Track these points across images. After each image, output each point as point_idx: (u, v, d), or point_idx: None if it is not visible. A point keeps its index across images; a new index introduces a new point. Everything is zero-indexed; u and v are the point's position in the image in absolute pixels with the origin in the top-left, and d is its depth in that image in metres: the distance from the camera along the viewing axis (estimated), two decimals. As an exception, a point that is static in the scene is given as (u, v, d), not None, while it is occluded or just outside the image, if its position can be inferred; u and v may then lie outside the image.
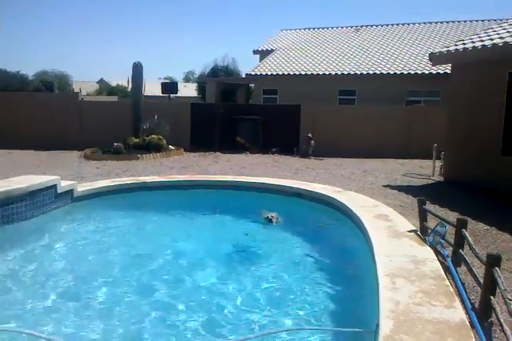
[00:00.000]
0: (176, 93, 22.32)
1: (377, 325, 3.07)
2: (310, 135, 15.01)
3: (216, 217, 7.31)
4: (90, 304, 4.25)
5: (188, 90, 42.31)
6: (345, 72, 20.53)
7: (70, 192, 7.35)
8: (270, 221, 6.68)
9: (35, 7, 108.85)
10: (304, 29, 27.59)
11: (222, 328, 3.76)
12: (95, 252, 5.78)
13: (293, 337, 3.58)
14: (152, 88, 31.50)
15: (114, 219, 7.12)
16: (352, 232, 5.88)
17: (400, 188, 8.98)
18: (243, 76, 25.27)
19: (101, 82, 56.03)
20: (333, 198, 7.08)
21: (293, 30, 27.69)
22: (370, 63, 20.96)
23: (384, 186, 9.24)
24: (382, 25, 25.96)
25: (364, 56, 21.95)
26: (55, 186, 6.97)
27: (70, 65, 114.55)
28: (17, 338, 3.53)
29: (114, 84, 49.45)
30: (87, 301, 4.32)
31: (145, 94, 21.34)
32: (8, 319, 3.92)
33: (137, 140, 14.17)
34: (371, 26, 26.10)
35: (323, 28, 27.20)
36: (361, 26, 26.27)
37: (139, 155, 13.19)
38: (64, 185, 7.19)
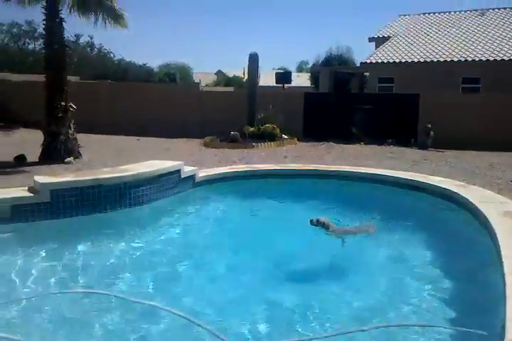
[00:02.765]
0: (290, 83, 22.52)
1: (503, 328, 2.91)
2: (429, 125, 14.30)
3: (320, 206, 7.28)
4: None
5: (301, 80, 42.32)
6: (469, 59, 19.20)
7: (192, 178, 7.72)
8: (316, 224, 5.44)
9: (158, 4, 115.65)
10: (424, 14, 26.11)
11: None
12: (223, 233, 6.13)
13: (411, 334, 3.50)
14: (267, 78, 32.02)
15: (234, 204, 7.42)
16: (476, 230, 5.54)
17: (532, 184, 8.26)
18: (358, 65, 24.73)
19: (219, 73, 58.16)
20: (454, 192, 6.70)
21: (411, 16, 26.34)
22: (498, 49, 19.35)
23: (513, 181, 8.56)
24: (510, 8, 23.69)
25: (490, 41, 20.29)
26: (179, 171, 7.38)
27: (191, 57, 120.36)
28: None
29: (231, 75, 51.07)
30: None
31: (260, 84, 21.87)
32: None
33: (252, 129, 14.59)
34: (498, 9, 23.94)
35: (444, 13, 25.52)
36: (487, 10, 24.20)
37: (254, 144, 13.58)
38: (187, 170, 7.60)
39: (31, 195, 5.76)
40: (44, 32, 10.56)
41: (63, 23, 10.35)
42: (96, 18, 10.72)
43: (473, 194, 6.54)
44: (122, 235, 5.78)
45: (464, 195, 6.41)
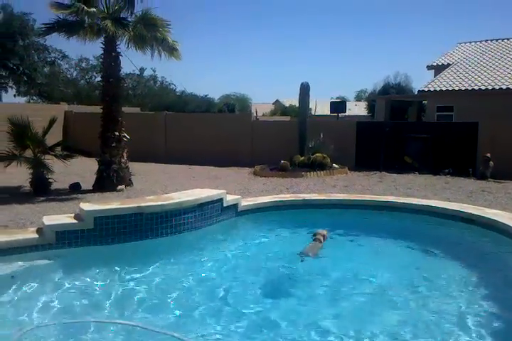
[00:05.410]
0: (345, 112, 22.35)
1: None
2: (488, 155, 13.62)
3: (361, 240, 7.03)
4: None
5: (358, 109, 42.11)
6: (534, 86, 18.30)
7: (234, 206, 7.71)
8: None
9: (220, 38, 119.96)
10: (486, 41, 25.34)
11: None
12: (261, 263, 6.01)
13: None
14: (324, 108, 32.07)
15: (276, 234, 7.35)
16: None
17: None
18: (416, 93, 24.26)
19: (276, 103, 58.97)
20: (508, 225, 6.29)
21: (472, 43, 25.63)
22: None
23: None
24: None
25: (559, 66, 19.30)
26: (221, 200, 7.39)
27: (250, 88, 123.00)
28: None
29: (287, 104, 51.60)
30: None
31: (316, 114, 21.89)
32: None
33: (302, 158, 14.52)
34: None
35: (507, 39, 24.61)
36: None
37: (303, 173, 13.49)
38: (229, 199, 7.59)
39: (75, 221, 5.96)
40: (102, 65, 11.21)
41: (120, 56, 10.93)
42: (152, 51, 11.21)
43: (529, 228, 6.11)
44: (161, 262, 5.81)
45: (518, 229, 6.00)
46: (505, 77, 19.83)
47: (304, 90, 15.57)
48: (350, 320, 4.32)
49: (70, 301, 4.56)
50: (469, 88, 19.92)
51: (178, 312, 4.46)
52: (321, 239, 6.27)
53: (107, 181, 10.44)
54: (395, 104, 24.37)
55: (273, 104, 58.65)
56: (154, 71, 41.89)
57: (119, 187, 10.45)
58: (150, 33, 10.82)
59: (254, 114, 23.05)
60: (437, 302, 4.70)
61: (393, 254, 6.40)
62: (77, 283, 5.01)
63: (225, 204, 7.44)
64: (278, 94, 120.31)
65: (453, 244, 6.67)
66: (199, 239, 6.68)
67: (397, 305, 4.67)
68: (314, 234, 6.35)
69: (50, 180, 10.29)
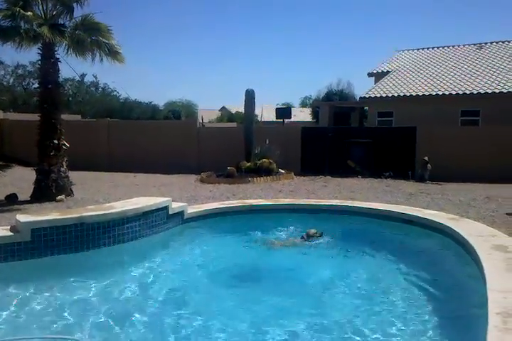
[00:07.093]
0: (290, 118, 22.65)
1: None
2: (426, 158, 14.22)
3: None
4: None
5: (304, 115, 42.80)
6: (468, 92, 19.30)
7: (180, 214, 7.62)
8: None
9: (164, 44, 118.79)
10: (422, 49, 26.56)
11: None
12: (206, 270, 5.97)
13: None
14: (270, 114, 32.43)
15: (222, 240, 7.33)
16: (464, 263, 5.37)
17: (528, 217, 8.05)
18: (358, 99, 25.01)
19: (223, 109, 58.95)
20: (445, 225, 6.56)
21: (409, 51, 26.80)
22: (496, 81, 19.48)
23: (508, 214, 8.36)
24: (509, 41, 23.99)
25: (489, 74, 20.46)
26: (166, 208, 7.29)
27: (196, 94, 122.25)
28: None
29: (234, 111, 51.71)
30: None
31: (263, 120, 22.08)
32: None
33: (249, 164, 14.59)
34: (496, 43, 24.26)
35: (442, 47, 25.93)
36: (485, 43, 24.57)
37: (250, 179, 13.54)
38: (175, 206, 7.50)
39: (11, 234, 5.68)
40: (39, 72, 10.79)
41: (59, 62, 10.57)
42: (93, 56, 10.88)
43: (465, 227, 6.39)
44: (103, 274, 5.63)
45: (455, 228, 6.26)
46: (441, 83, 20.80)
47: (249, 97, 15.68)
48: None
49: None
50: (407, 94, 20.74)
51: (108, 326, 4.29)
52: (304, 236, 6.96)
53: (46, 191, 10.02)
54: (338, 110, 25.00)
55: (219, 110, 58.57)
56: (96, 77, 40.90)
57: (59, 197, 10.05)
58: (91, 38, 10.54)
59: (200, 121, 22.95)
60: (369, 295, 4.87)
61: (333, 253, 6.58)
62: (10, 299, 4.75)
63: (170, 212, 7.34)
64: (224, 100, 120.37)
65: (391, 243, 6.88)
66: (143, 248, 6.54)
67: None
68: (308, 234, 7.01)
69: (-17, 192, 9.78)
